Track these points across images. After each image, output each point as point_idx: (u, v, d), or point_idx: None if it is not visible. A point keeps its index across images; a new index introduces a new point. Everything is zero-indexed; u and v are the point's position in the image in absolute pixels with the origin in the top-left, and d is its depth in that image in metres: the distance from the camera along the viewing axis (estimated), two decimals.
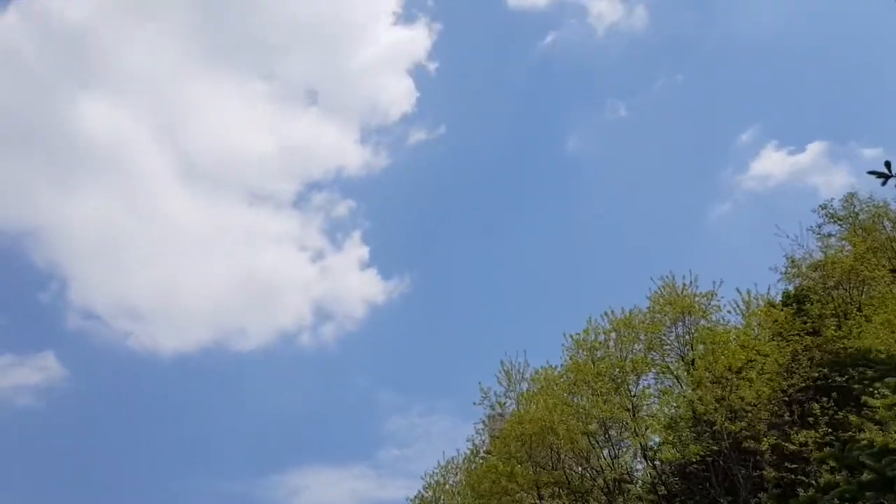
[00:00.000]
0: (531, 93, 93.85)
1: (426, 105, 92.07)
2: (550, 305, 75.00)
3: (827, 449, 6.82)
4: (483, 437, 32.30)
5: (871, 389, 15.62)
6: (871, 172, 7.81)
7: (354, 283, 77.13)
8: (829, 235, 30.39)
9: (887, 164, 7.74)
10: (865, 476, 6.90)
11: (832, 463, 6.68)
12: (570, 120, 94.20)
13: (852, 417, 21.00)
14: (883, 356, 6.69)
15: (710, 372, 25.03)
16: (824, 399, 23.23)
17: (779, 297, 29.55)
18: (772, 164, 76.60)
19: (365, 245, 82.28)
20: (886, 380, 6.89)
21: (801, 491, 21.39)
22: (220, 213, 69.60)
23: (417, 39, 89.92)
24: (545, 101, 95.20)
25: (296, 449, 66.06)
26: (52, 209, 73.66)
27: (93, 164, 73.31)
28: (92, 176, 75.43)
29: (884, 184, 7.89)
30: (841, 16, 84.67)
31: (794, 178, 71.89)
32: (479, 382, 30.30)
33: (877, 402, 15.01)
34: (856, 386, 18.71)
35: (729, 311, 27.87)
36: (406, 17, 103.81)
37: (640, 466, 28.65)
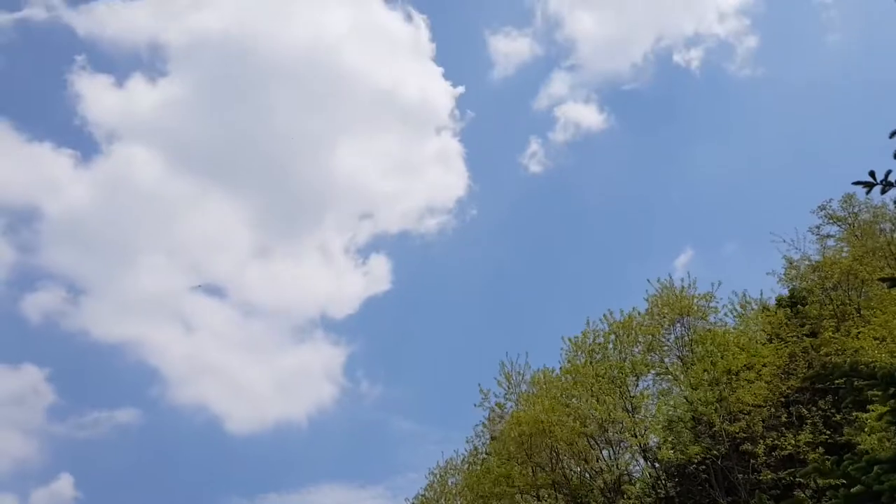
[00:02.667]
0: None
1: None
2: (549, 306, 74.94)
3: (812, 464, 6.79)
4: (483, 439, 32.25)
5: (863, 397, 15.52)
6: (856, 183, 7.80)
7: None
8: (829, 236, 30.28)
9: (871, 174, 7.73)
10: (854, 489, 6.88)
11: (819, 479, 6.64)
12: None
13: (846, 429, 20.95)
14: (870, 369, 6.61)
15: (708, 374, 24.97)
16: (821, 401, 23.19)
17: (772, 301, 29.49)
18: None
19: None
20: (869, 392, 6.86)
21: (798, 493, 21.34)
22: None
23: None
24: None
25: (312, 468, 66.76)
26: None
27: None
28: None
29: (868, 192, 7.88)
30: None
31: None
32: (479, 384, 30.29)
33: (865, 416, 14.98)
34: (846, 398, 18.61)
35: (726, 314, 27.85)
36: None
37: (638, 467, 28.61)
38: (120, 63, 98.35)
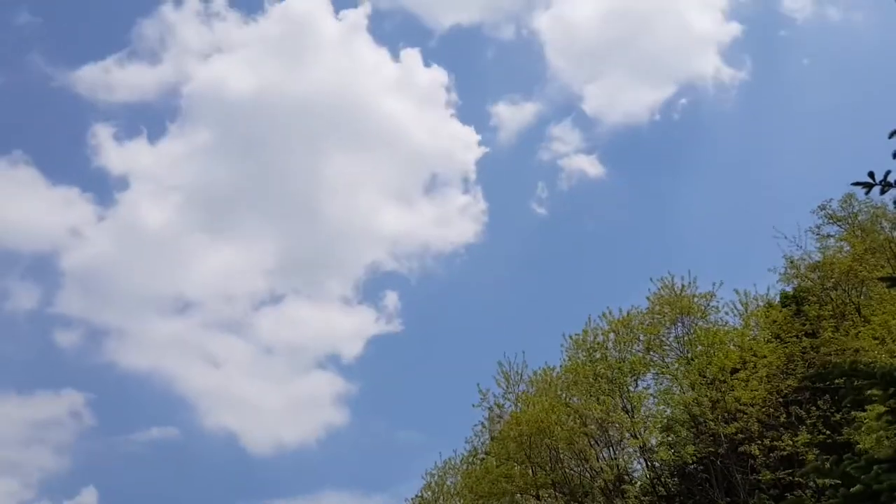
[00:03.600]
0: None
1: None
2: (550, 306, 74.92)
3: (811, 464, 6.79)
4: (482, 439, 32.22)
5: (862, 396, 15.51)
6: (855, 183, 7.81)
7: None
8: (829, 236, 30.24)
9: (871, 174, 7.74)
10: (853, 489, 6.87)
11: (818, 479, 6.65)
12: None
13: (846, 430, 20.96)
14: (869, 368, 6.61)
15: (704, 374, 25.00)
16: (819, 401, 23.21)
17: (777, 298, 29.48)
18: None
19: None
20: (869, 392, 6.86)
21: (798, 492, 21.37)
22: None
23: None
24: None
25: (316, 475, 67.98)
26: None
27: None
28: None
29: (867, 193, 7.89)
30: None
31: None
32: (478, 384, 30.28)
33: (863, 415, 14.99)
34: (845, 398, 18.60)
35: (727, 313, 27.83)
36: None
37: (638, 467, 28.64)
38: (137, 112, 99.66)
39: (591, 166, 79.71)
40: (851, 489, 6.76)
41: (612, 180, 79.61)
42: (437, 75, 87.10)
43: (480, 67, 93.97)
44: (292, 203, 79.99)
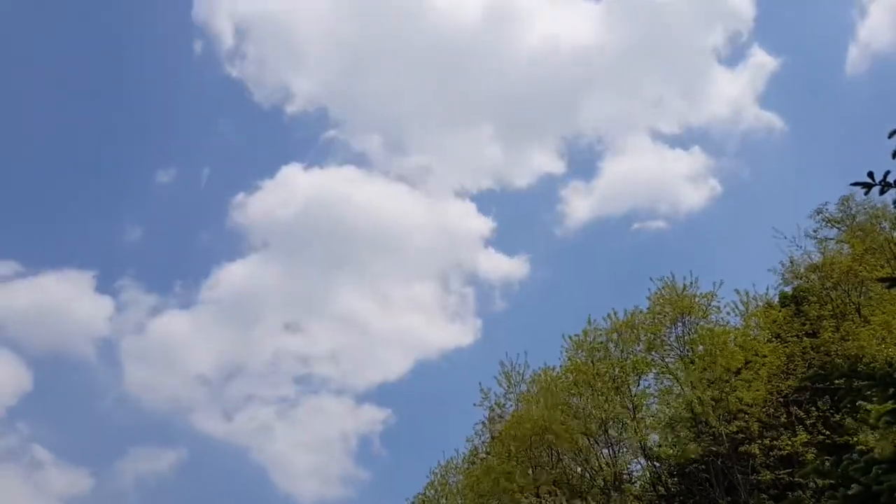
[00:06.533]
0: None
1: None
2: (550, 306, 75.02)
3: (811, 464, 6.78)
4: (482, 438, 32.30)
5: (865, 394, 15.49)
6: (854, 184, 7.81)
7: None
8: (827, 239, 30.26)
9: (870, 174, 7.74)
10: (853, 489, 6.87)
11: (818, 480, 6.64)
12: None
13: (847, 420, 20.96)
14: (870, 368, 6.61)
15: (708, 372, 25.00)
16: (820, 401, 23.21)
17: (776, 298, 29.50)
18: None
19: None
20: (869, 392, 6.85)
21: (798, 493, 21.36)
22: None
23: None
24: None
25: None
26: None
27: None
28: None
29: (867, 193, 7.88)
30: None
31: None
32: (479, 383, 30.39)
33: (866, 412, 14.98)
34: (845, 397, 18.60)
35: (728, 313, 27.84)
36: None
37: (638, 466, 28.67)
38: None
39: None
40: (850, 490, 6.76)
41: None
42: None
43: None
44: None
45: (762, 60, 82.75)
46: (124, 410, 74.11)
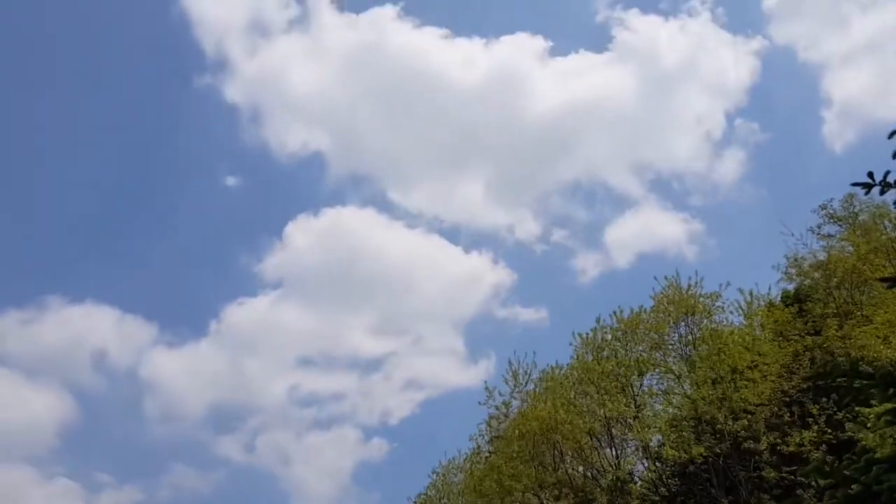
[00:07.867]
0: None
1: None
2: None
3: (813, 463, 6.81)
4: (486, 437, 32.29)
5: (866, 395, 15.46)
6: (855, 184, 7.81)
7: None
8: (830, 236, 30.20)
9: (870, 174, 7.74)
10: (853, 489, 6.89)
11: (819, 479, 6.66)
12: None
13: (849, 425, 20.93)
14: (871, 368, 6.63)
15: (713, 371, 24.97)
16: (823, 399, 23.17)
17: (779, 297, 29.47)
18: None
19: None
20: (870, 391, 6.87)
21: (800, 492, 21.36)
22: None
23: None
24: None
25: None
26: None
27: None
28: None
29: (867, 193, 7.89)
30: None
31: None
32: (485, 381, 30.47)
33: (868, 411, 14.97)
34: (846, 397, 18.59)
35: (731, 312, 27.81)
36: None
37: (641, 466, 28.64)
38: None
39: None
40: (851, 490, 6.79)
41: None
42: None
43: None
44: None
45: None
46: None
